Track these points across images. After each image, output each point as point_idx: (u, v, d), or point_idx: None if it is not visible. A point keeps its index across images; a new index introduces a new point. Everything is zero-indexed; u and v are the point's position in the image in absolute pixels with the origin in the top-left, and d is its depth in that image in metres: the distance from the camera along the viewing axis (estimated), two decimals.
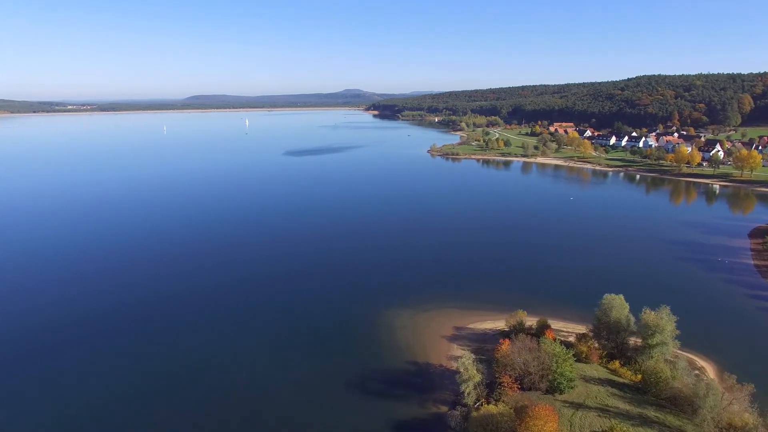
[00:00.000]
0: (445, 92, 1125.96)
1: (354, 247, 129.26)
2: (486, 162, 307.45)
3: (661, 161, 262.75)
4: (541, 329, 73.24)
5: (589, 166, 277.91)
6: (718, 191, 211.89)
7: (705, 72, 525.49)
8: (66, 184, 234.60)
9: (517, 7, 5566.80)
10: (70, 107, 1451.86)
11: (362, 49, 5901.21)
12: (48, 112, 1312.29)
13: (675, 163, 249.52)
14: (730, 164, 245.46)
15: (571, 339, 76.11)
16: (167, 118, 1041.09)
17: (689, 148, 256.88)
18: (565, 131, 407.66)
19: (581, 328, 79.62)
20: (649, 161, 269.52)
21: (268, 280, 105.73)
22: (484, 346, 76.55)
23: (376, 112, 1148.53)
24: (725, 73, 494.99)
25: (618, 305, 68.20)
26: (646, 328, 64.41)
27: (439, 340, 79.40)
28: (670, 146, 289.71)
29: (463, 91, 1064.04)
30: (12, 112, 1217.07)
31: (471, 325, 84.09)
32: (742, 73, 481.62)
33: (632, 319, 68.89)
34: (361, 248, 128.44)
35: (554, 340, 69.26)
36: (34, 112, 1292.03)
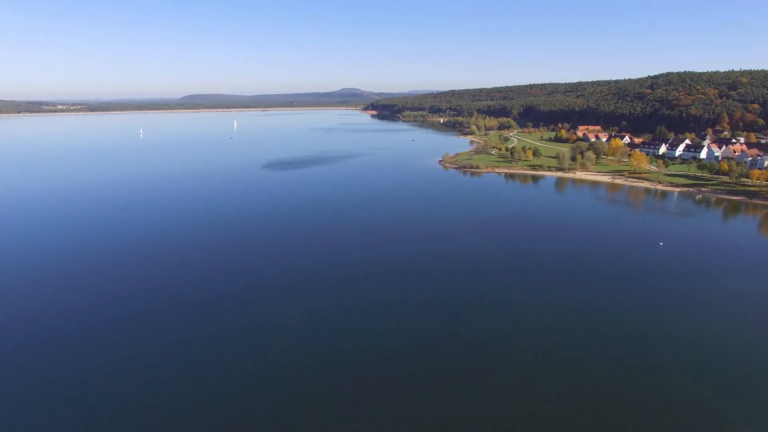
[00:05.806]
0: (447, 91, 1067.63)
1: (341, 366, 71.33)
2: (511, 176, 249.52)
3: (743, 179, 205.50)
4: None
5: (646, 184, 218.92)
6: None
7: (738, 68, 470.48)
8: None
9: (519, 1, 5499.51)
10: (60, 107, 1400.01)
11: (360, 46, 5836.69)
12: (34, 112, 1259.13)
13: (766, 182, 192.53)
14: None
15: None
16: (155, 118, 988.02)
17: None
18: (596, 136, 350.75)
19: None
20: (726, 179, 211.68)
21: None
22: None
23: (374, 112, 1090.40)
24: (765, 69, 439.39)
25: None
26: None
27: None
28: (747, 158, 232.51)
29: (466, 90, 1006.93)
30: None
31: None
32: None
33: None
34: (357, 367, 70.55)
35: None
36: (19, 112, 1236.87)
